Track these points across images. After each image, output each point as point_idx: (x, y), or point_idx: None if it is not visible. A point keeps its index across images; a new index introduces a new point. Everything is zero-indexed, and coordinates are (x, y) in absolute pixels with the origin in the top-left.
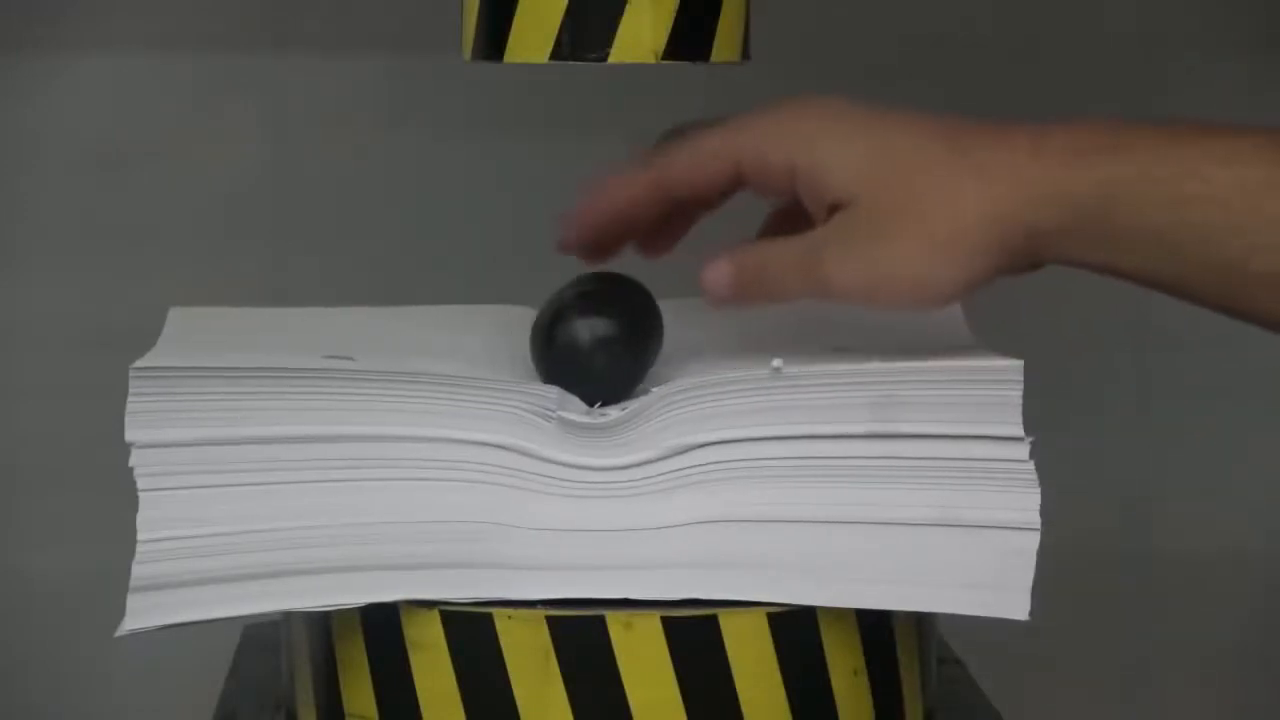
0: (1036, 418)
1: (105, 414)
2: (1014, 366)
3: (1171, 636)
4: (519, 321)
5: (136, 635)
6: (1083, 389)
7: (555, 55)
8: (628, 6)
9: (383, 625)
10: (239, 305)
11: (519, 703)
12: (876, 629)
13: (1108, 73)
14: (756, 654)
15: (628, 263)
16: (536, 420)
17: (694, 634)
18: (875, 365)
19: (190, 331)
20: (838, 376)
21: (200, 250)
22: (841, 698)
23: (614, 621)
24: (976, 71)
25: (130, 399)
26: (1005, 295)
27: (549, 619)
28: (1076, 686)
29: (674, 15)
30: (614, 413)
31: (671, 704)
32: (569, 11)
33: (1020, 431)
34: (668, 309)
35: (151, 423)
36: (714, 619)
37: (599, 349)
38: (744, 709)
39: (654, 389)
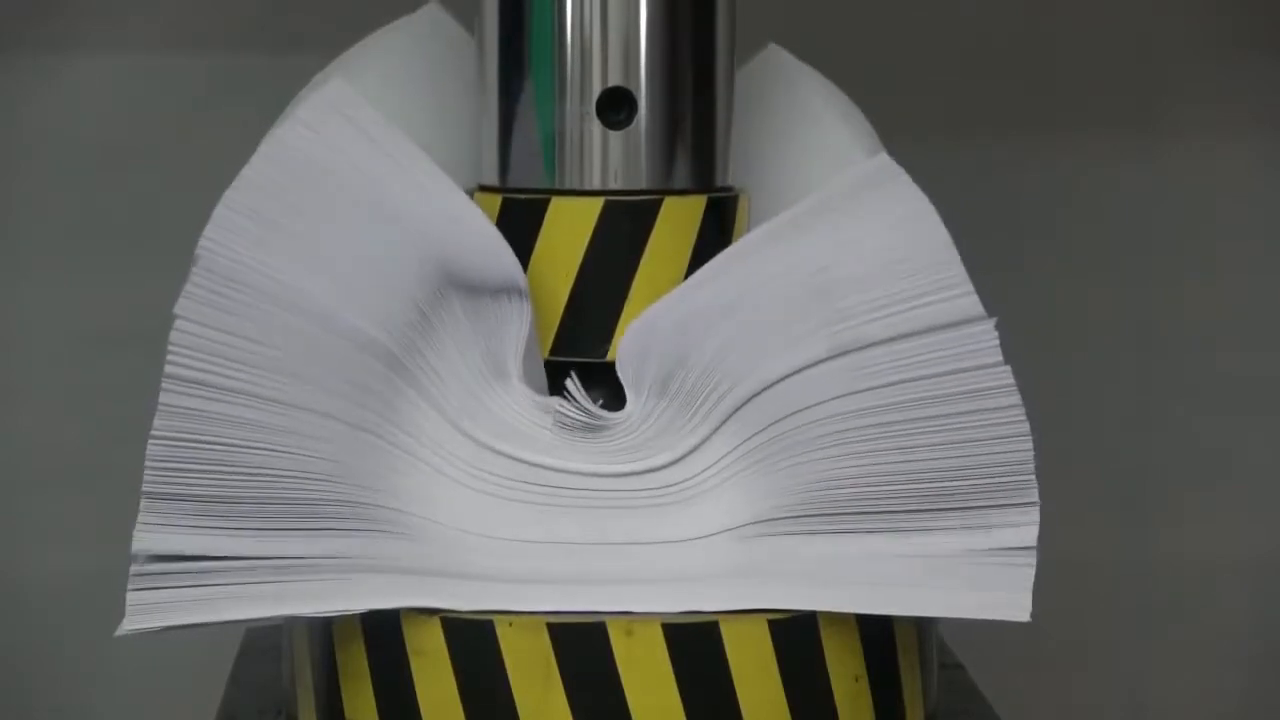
0: (1037, 418)
1: (105, 414)
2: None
3: (1172, 638)
4: None
5: (138, 637)
6: (1083, 389)
7: (555, 352)
8: (626, 305)
9: (384, 631)
10: None
11: (520, 709)
12: (877, 634)
13: (1108, 73)
14: (757, 660)
15: None
16: (540, 430)
17: (695, 640)
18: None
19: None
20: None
21: None
22: (843, 704)
23: (615, 628)
24: (976, 72)
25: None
26: (1004, 295)
27: (550, 626)
28: (1077, 689)
29: None
30: (614, 416)
31: (672, 710)
32: (568, 311)
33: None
34: None
35: (204, 302)
36: (715, 625)
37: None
38: (745, 715)
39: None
